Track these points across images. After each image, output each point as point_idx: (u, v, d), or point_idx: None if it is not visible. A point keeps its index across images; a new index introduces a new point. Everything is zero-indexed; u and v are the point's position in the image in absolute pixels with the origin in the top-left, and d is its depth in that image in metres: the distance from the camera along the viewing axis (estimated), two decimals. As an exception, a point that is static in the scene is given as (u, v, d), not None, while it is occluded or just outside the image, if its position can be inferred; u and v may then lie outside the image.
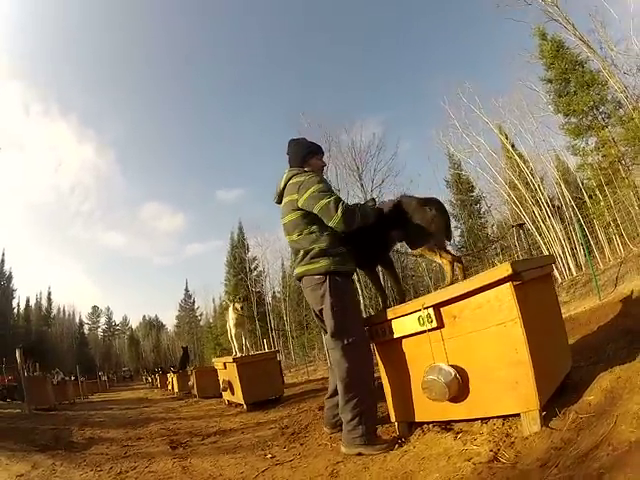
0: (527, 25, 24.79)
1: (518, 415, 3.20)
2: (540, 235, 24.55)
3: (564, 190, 25.26)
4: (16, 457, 5.52)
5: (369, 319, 4.44)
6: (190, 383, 15.68)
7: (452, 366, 3.46)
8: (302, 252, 4.39)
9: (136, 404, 15.43)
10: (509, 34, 58.56)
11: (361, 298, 23.43)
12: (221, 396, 10.76)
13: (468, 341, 3.45)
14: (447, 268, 4.09)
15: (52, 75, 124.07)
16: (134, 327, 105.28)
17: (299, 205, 4.37)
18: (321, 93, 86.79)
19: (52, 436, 7.23)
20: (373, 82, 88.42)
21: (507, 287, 3.20)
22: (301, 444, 4.69)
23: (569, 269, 22.54)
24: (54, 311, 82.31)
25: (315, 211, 4.25)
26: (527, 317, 3.18)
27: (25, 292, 77.21)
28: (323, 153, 4.93)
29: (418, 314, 3.67)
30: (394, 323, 3.94)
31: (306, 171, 4.59)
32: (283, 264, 48.06)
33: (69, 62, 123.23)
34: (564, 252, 23.08)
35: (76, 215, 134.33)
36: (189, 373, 16.70)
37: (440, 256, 4.11)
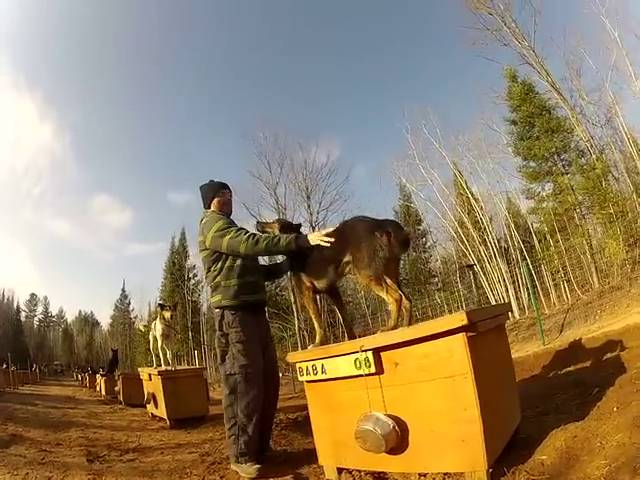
0: (498, 65, 25.15)
1: (461, 472, 2.97)
2: (485, 275, 24.67)
3: (513, 232, 25.69)
4: None
5: (299, 354, 4.14)
6: (117, 388, 15.24)
7: (390, 416, 3.19)
8: (210, 287, 4.84)
9: (62, 403, 14.99)
10: (478, 72, 59.26)
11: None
12: (146, 407, 10.48)
13: (410, 391, 3.18)
14: (393, 307, 3.68)
15: (25, 44, 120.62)
16: (69, 321, 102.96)
17: (207, 245, 4.67)
18: (282, 104, 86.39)
19: (-26, 430, 6.99)
20: (336, 100, 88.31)
21: (460, 338, 2.96)
22: (221, 477, 4.41)
23: (512, 312, 22.40)
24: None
25: (224, 250, 4.53)
26: (479, 371, 2.94)
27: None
28: (225, 189, 5.12)
29: (355, 356, 3.38)
30: (327, 362, 3.64)
31: (206, 212, 4.96)
32: None
33: (44, 34, 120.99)
34: (507, 294, 23.43)
35: (27, 197, 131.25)
36: (116, 378, 16.25)
37: (387, 292, 3.71)
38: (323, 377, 3.67)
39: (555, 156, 23.21)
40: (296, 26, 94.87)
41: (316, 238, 4.16)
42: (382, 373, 3.30)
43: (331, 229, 4.21)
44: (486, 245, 25.27)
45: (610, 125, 22.18)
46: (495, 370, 3.52)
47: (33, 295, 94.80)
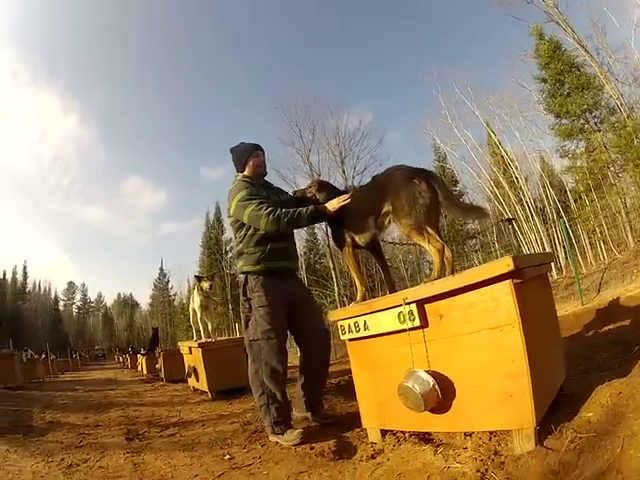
0: (526, 24, 24.67)
1: (508, 430, 2.87)
2: (522, 235, 24.44)
3: (548, 191, 25.37)
4: (-30, 442, 5.22)
5: (341, 312, 4.05)
6: (157, 366, 15.40)
7: (433, 373, 3.06)
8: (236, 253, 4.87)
9: (102, 385, 15.11)
10: (508, 31, 58.82)
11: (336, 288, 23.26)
12: (187, 381, 10.49)
13: (455, 345, 3.05)
14: (435, 257, 3.59)
15: (42, 39, 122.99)
16: (108, 305, 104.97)
17: (230, 213, 4.75)
18: (310, 73, 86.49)
19: (12, 419, 6.98)
20: (366, 65, 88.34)
21: (506, 285, 2.80)
22: (262, 445, 4.36)
23: (550, 270, 22.17)
24: (29, 286, 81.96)
25: (245, 221, 4.57)
26: (527, 321, 2.78)
27: (0, 265, 75.96)
28: (258, 149, 4.98)
29: (398, 310, 3.24)
30: (369, 318, 3.52)
31: (237, 177, 4.92)
32: None
33: (61, 27, 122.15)
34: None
35: (56, 188, 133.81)
36: (157, 355, 16.38)
37: (428, 241, 3.60)
38: (366, 334, 3.58)
39: (587, 113, 22.84)
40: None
41: (336, 204, 4.27)
42: (426, 326, 3.17)
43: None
44: (522, 205, 25.07)
45: (638, 83, 21.65)
46: (541, 322, 3.37)
47: (70, 283, 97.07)
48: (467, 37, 75.89)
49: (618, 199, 20.88)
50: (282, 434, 4.29)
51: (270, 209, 4.34)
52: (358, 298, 4.24)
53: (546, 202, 25.44)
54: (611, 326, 6.46)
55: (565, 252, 20.43)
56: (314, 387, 4.82)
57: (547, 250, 22.60)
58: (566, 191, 25.50)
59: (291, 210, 4.39)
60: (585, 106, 22.36)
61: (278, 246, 4.61)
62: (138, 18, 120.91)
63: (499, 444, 2.91)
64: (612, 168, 22.13)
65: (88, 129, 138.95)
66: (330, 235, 4.62)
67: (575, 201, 24.60)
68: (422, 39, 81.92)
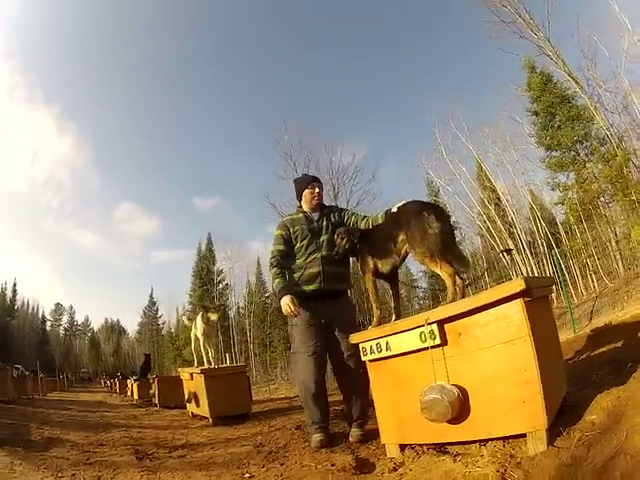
0: (517, 58, 25.09)
1: (519, 436, 3.09)
2: (514, 266, 24.51)
3: (539, 224, 25.63)
4: (-29, 452, 5.18)
5: (361, 335, 4.18)
6: (152, 391, 15.37)
7: (454, 385, 3.25)
8: None
9: (95, 407, 15.11)
10: (498, 64, 59.19)
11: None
12: (183, 407, 10.54)
13: (471, 359, 3.25)
14: (448, 282, 3.82)
15: (40, 61, 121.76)
16: (96, 329, 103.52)
17: None
18: (305, 105, 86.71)
19: (10, 432, 6.98)
20: (361, 100, 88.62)
21: (518, 303, 3.03)
22: (281, 464, 4.36)
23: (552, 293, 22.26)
24: (18, 303, 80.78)
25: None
26: (536, 335, 3.01)
27: (-12, 281, 75.22)
28: (314, 181, 5.42)
29: (420, 330, 3.42)
30: (391, 339, 3.70)
31: (296, 207, 5.61)
32: (249, 280, 49.29)
33: (58, 51, 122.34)
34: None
35: (48, 209, 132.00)
36: (151, 381, 16.32)
37: (440, 267, 3.86)
38: (387, 354, 3.73)
39: (577, 145, 23.16)
40: (320, 26, 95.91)
41: (284, 303, 4.76)
42: (446, 344, 3.35)
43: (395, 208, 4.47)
44: (513, 238, 25.22)
45: (627, 112, 22.02)
46: (547, 337, 3.58)
47: (58, 305, 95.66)
48: (462, 71, 76.40)
49: (608, 228, 21.04)
50: (310, 435, 4.84)
51: (273, 258, 5.16)
52: (374, 322, 4.44)
53: (537, 234, 25.67)
54: (604, 348, 6.59)
55: (556, 283, 20.59)
56: (347, 404, 5.02)
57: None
58: (556, 223, 25.78)
59: (275, 272, 5.07)
60: (576, 138, 22.69)
61: (312, 271, 4.98)
62: (136, 45, 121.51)
63: (513, 448, 3.06)
64: (602, 198, 22.36)
65: (83, 152, 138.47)
66: (359, 262, 4.73)
67: (566, 232, 24.84)
68: (418, 74, 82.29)
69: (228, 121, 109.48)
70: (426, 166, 31.86)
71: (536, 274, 23.20)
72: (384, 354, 3.76)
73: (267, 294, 50.60)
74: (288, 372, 31.02)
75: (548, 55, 21.82)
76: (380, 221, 4.72)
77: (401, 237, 4.18)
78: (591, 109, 21.21)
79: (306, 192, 5.30)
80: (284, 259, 5.15)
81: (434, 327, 3.34)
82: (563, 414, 3.30)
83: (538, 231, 25.65)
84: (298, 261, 5.08)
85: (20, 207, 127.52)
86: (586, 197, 22.35)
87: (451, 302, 3.67)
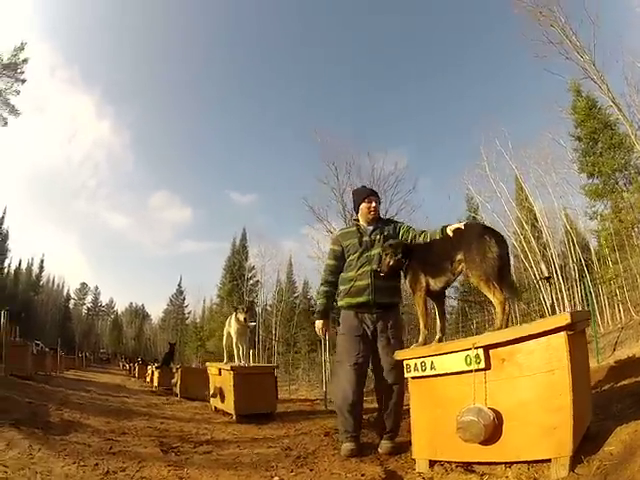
0: (562, 79, 24.77)
1: (542, 461, 3.24)
2: (543, 290, 24.26)
3: (573, 249, 25.43)
4: (-14, 429, 5.15)
5: (406, 352, 4.31)
6: (173, 380, 15.34)
7: (490, 408, 3.35)
8: None
9: (115, 391, 15.16)
10: (543, 84, 58.65)
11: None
12: (204, 399, 10.72)
13: (511, 385, 3.38)
14: (498, 308, 3.93)
15: (82, 46, 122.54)
16: (119, 312, 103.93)
17: None
18: (351, 114, 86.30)
19: (28, 411, 6.95)
20: (406, 111, 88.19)
21: (562, 335, 3.19)
22: (310, 470, 4.39)
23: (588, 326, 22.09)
24: (43, 279, 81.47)
25: None
26: (573, 366, 3.16)
27: (18, 254, 75.56)
28: (371, 195, 5.49)
29: (466, 353, 3.54)
30: (436, 359, 3.80)
31: (350, 226, 5.82)
32: (279, 278, 48.70)
33: (103, 38, 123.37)
34: (564, 309, 22.57)
35: (82, 188, 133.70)
36: (174, 370, 16.26)
37: (494, 294, 3.92)
38: (431, 373, 3.83)
39: (617, 173, 22.98)
40: (373, 37, 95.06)
41: (317, 327, 5.44)
42: (489, 369, 3.47)
43: (456, 225, 4.48)
44: (546, 260, 25.03)
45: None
46: (581, 368, 3.65)
47: (83, 284, 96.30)
48: (507, 88, 75.72)
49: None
50: (341, 442, 4.90)
51: (324, 274, 5.52)
52: (420, 340, 4.49)
53: (569, 259, 25.46)
54: (626, 381, 6.55)
55: (583, 309, 20.41)
56: (381, 415, 5.06)
57: (566, 307, 22.53)
58: (589, 249, 25.63)
59: (321, 292, 5.53)
60: (616, 166, 22.53)
61: (361, 283, 5.07)
62: (182, 34, 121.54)
63: (537, 472, 3.22)
64: (637, 229, 22.16)
65: (121, 137, 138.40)
66: (407, 278, 4.74)
67: (598, 260, 24.69)
68: (465, 89, 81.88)
69: (271, 119, 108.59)
70: (467, 182, 31.66)
71: (565, 299, 23.02)
72: (428, 373, 3.86)
73: (296, 294, 51.04)
74: (310, 374, 30.91)
75: (592, 79, 21.53)
76: (437, 237, 4.73)
77: (459, 256, 4.22)
78: (632, 137, 20.97)
79: (363, 205, 5.35)
80: (334, 274, 5.40)
81: (480, 352, 3.46)
82: (585, 443, 3.37)
83: (571, 256, 25.51)
84: (350, 274, 5.17)
85: (55, 185, 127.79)
86: (621, 227, 22.21)
87: (498, 329, 3.80)
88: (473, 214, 34.59)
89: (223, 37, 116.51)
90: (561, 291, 23.50)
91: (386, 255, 4.75)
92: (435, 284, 4.47)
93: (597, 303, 21.06)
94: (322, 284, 5.52)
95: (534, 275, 24.93)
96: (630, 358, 9.20)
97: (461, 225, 4.43)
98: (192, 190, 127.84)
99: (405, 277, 4.77)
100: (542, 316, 19.61)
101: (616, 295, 21.42)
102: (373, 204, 5.32)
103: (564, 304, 23.04)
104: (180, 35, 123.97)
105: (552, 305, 22.13)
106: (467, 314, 26.29)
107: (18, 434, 5.12)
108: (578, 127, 24.51)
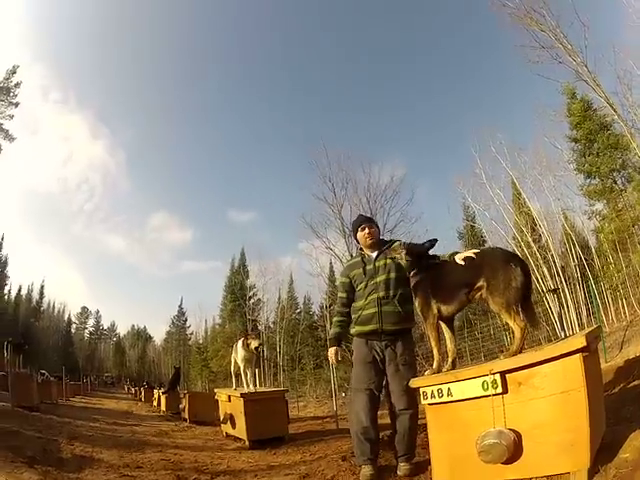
0: (553, 83, 24.57)
1: (561, 474, 3.28)
2: (544, 293, 24.25)
3: (573, 250, 25.48)
4: (2, 470, 5.04)
5: (423, 380, 4.32)
6: (181, 405, 15.36)
7: (510, 429, 3.39)
8: None
9: (123, 418, 15.19)
10: (535, 89, 58.87)
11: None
12: (213, 424, 10.77)
13: (528, 407, 3.42)
14: (517, 334, 3.92)
15: (75, 67, 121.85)
16: (121, 334, 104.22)
17: None
18: (345, 127, 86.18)
19: (40, 447, 6.88)
20: (402, 121, 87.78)
21: (577, 358, 3.24)
22: (331, 498, 4.33)
23: (572, 329, 22.07)
24: (44, 305, 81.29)
25: None
26: (588, 385, 3.21)
27: (17, 281, 75.31)
28: (365, 222, 5.60)
29: (483, 379, 3.57)
30: (453, 386, 3.82)
31: (355, 256, 5.88)
32: (280, 296, 48.23)
33: (94, 59, 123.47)
34: (568, 311, 22.84)
35: (79, 212, 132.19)
36: (181, 395, 16.30)
37: (514, 320, 3.92)
38: (449, 399, 3.84)
39: (614, 173, 23.14)
40: (363, 48, 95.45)
41: (329, 354, 5.44)
42: (506, 393, 3.50)
43: (470, 253, 4.43)
44: (547, 262, 25.04)
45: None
46: (595, 384, 3.72)
47: (84, 308, 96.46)
48: (500, 95, 75.81)
49: (642, 257, 20.85)
50: (360, 466, 4.89)
51: (338, 305, 5.65)
52: (434, 367, 4.47)
53: (570, 259, 25.52)
54: (636, 382, 6.61)
55: (588, 310, 20.47)
56: (396, 438, 5.02)
57: (570, 308, 22.56)
58: (589, 247, 25.72)
59: (334, 321, 5.63)
60: (614, 166, 22.66)
61: (368, 312, 5.11)
62: (174, 54, 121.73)
63: None
64: (637, 226, 22.23)
65: (116, 158, 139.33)
66: (417, 304, 4.69)
67: (599, 257, 24.75)
68: (458, 96, 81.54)
69: (267, 136, 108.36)
70: (463, 191, 31.51)
71: (569, 300, 22.96)
72: (445, 399, 3.87)
73: (298, 310, 50.76)
74: (317, 390, 30.90)
75: (585, 81, 21.49)
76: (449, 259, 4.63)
77: (480, 283, 4.16)
78: (628, 136, 20.99)
79: (359, 235, 5.50)
80: (345, 306, 5.47)
81: (497, 377, 3.49)
82: (601, 452, 3.40)
83: (571, 256, 25.50)
84: (359, 303, 5.22)
85: (51, 208, 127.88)
86: (622, 225, 22.29)
87: (513, 353, 3.82)
88: (470, 222, 34.75)
89: (218, 53, 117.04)
90: (564, 291, 23.44)
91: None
92: (447, 310, 4.45)
93: (601, 301, 21.09)
94: (335, 315, 5.66)
95: (536, 279, 24.79)
96: (638, 357, 9.23)
97: (471, 254, 4.39)
98: (190, 209, 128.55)
99: (415, 302, 4.73)
100: (549, 325, 19.64)
101: (619, 292, 21.47)
102: (367, 230, 5.43)
103: (568, 306, 22.98)
104: (174, 53, 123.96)
105: (558, 313, 22.04)
106: (471, 321, 26.24)
107: (33, 474, 5.04)
108: (574, 129, 24.66)
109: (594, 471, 3.15)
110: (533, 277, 24.32)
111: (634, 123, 21.55)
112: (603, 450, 3.45)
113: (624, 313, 20.63)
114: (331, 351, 5.38)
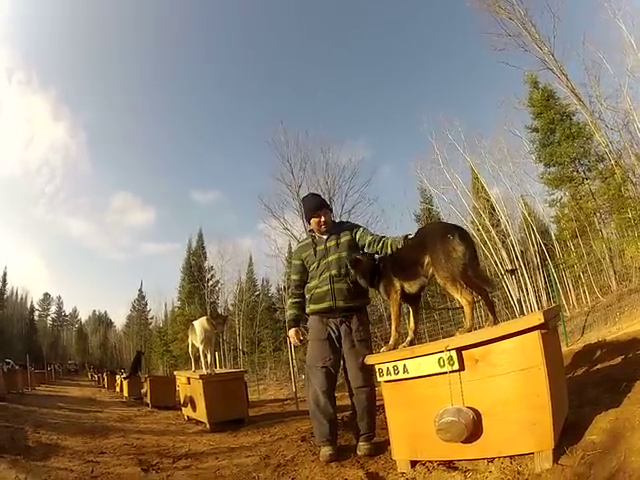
0: (520, 71, 25.03)
1: (526, 454, 3.29)
2: (503, 276, 24.47)
3: (533, 236, 25.77)
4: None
5: (378, 357, 4.29)
6: (143, 390, 15.31)
7: (469, 407, 3.40)
8: None
9: (87, 405, 15.04)
10: (501, 76, 59.16)
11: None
12: (175, 408, 10.80)
13: (487, 384, 3.43)
14: (467, 309, 3.93)
15: (38, 44, 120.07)
16: (83, 320, 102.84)
17: None
18: (305, 106, 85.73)
19: (8, 436, 6.98)
20: (360, 105, 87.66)
21: (535, 335, 3.24)
22: (292, 478, 4.37)
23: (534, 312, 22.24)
24: (7, 292, 79.91)
25: None
26: (548, 363, 3.23)
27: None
28: (318, 209, 5.38)
29: (439, 355, 3.56)
30: (409, 362, 3.79)
31: (305, 238, 5.75)
32: (240, 278, 48.26)
33: (56, 35, 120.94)
34: (528, 296, 23.15)
35: (40, 195, 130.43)
36: (142, 380, 16.26)
37: (461, 294, 3.90)
38: (405, 376, 3.83)
39: (575, 162, 23.41)
40: (323, 32, 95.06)
41: (289, 335, 5.43)
42: (463, 370, 3.50)
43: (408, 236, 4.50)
44: (506, 247, 25.26)
45: (627, 129, 22.04)
46: (555, 362, 3.76)
47: (46, 295, 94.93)
48: (463, 80, 76.20)
49: (603, 245, 21.16)
50: (320, 447, 4.90)
51: (291, 288, 5.71)
52: (391, 343, 4.49)
53: (530, 245, 25.83)
54: (598, 365, 6.73)
55: (548, 295, 20.69)
56: (356, 417, 5.03)
57: (530, 294, 22.80)
58: (549, 234, 26.07)
59: (289, 303, 5.65)
60: (574, 155, 22.93)
61: (321, 290, 5.13)
62: (138, 34, 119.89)
63: (520, 465, 3.26)
64: (598, 214, 22.54)
65: (77, 139, 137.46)
66: (381, 283, 4.69)
67: (559, 243, 25.06)
68: (420, 81, 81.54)
69: (230, 115, 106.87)
70: (421, 174, 31.54)
71: (529, 285, 23.19)
72: (401, 376, 3.85)
73: (257, 292, 50.59)
74: (277, 372, 30.95)
75: (551, 69, 21.69)
76: (399, 246, 4.58)
77: (427, 260, 4.16)
78: (591, 126, 21.32)
79: (313, 221, 5.37)
80: (299, 287, 5.50)
81: (453, 353, 3.47)
82: (566, 433, 3.45)
83: (531, 242, 25.79)
84: (312, 283, 5.26)
85: (12, 193, 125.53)
86: (582, 214, 22.56)
87: (468, 330, 3.85)
88: (428, 205, 35.00)
89: (177, 34, 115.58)
90: (523, 275, 23.67)
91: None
92: (410, 287, 4.45)
93: (562, 287, 21.34)
94: (289, 297, 5.73)
95: (495, 263, 25.11)
96: (600, 342, 9.37)
97: (401, 239, 4.49)
98: (151, 190, 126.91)
99: (379, 281, 4.71)
100: (509, 309, 19.82)
101: (580, 279, 21.78)
102: (322, 219, 5.33)
103: (527, 291, 23.29)
104: (135, 33, 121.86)
105: (518, 298, 22.18)
106: (430, 305, 26.38)
107: (3, 463, 5.12)
108: (535, 118, 24.94)
109: (560, 452, 3.18)
110: (492, 260, 24.63)
111: (600, 114, 21.88)
112: (568, 431, 3.51)
113: (585, 299, 20.98)
114: (291, 332, 5.34)
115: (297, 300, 5.51)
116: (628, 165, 21.28)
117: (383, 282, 4.65)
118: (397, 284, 4.48)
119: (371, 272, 4.72)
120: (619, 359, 6.59)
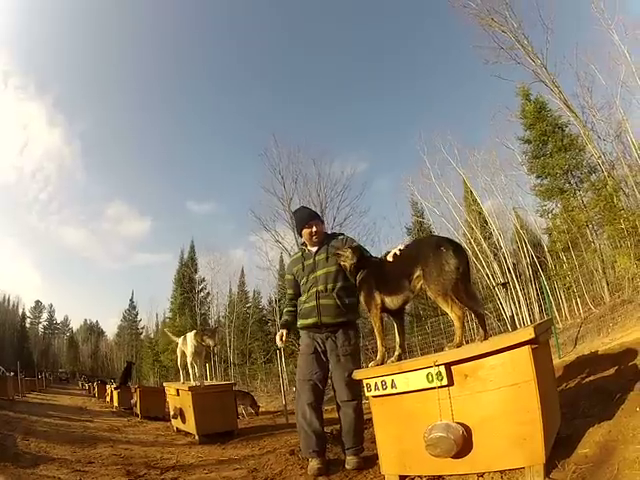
0: (512, 84, 25.11)
1: (517, 468, 3.26)
2: (495, 289, 24.48)
3: (525, 248, 25.87)
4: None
5: (366, 372, 4.26)
6: (133, 400, 15.22)
7: (458, 423, 3.36)
8: None
9: (77, 414, 15.02)
10: (495, 90, 59.44)
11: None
12: (164, 419, 10.80)
13: (476, 399, 3.39)
14: (457, 323, 3.85)
15: (35, 50, 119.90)
16: (74, 329, 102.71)
17: None
18: (299, 120, 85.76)
19: (-3, 443, 6.89)
20: (355, 118, 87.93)
21: (525, 350, 3.22)
22: (279, 492, 4.32)
23: (524, 326, 22.18)
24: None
25: None
26: (539, 378, 3.21)
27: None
28: (310, 220, 5.43)
29: (427, 371, 3.53)
30: (397, 377, 3.77)
31: (296, 252, 5.89)
32: (231, 290, 48.62)
33: (54, 41, 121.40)
34: (520, 308, 23.08)
35: (34, 202, 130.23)
36: (132, 390, 16.21)
37: (451, 308, 3.82)
38: (393, 391, 3.79)
39: (568, 173, 23.44)
40: (319, 46, 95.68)
41: (276, 336, 5.57)
42: (452, 385, 3.47)
43: (400, 246, 4.46)
44: (498, 260, 25.33)
45: (619, 140, 22.11)
46: (546, 376, 3.75)
47: (38, 302, 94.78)
48: (456, 93, 76.50)
49: (595, 256, 21.21)
50: (308, 460, 4.90)
51: (287, 299, 5.81)
52: (378, 358, 4.42)
53: (522, 257, 25.86)
54: (591, 377, 6.64)
55: (540, 307, 20.69)
56: (343, 431, 5.03)
57: (522, 306, 22.81)
58: (542, 246, 26.12)
59: (284, 311, 5.80)
60: (567, 166, 22.98)
61: (308, 305, 5.22)
62: (135, 44, 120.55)
63: None
64: (590, 226, 22.56)
65: (71, 147, 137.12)
66: (361, 296, 4.64)
67: (551, 255, 25.11)
68: (414, 95, 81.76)
69: (226, 126, 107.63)
70: (412, 187, 31.63)
71: (521, 297, 23.18)
72: (389, 391, 3.82)
73: (248, 304, 50.57)
74: (268, 384, 30.90)
75: (544, 82, 21.68)
76: (390, 259, 4.55)
77: (417, 273, 4.09)
78: (584, 137, 21.28)
79: (304, 232, 5.40)
80: (292, 301, 5.64)
81: (442, 369, 3.45)
82: (558, 446, 3.45)
83: (523, 254, 25.83)
84: (302, 298, 5.34)
85: (6, 199, 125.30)
86: (574, 225, 22.59)
87: (457, 344, 3.79)
88: (419, 218, 35.07)
89: (173, 43, 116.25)
90: (515, 288, 23.67)
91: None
92: (392, 302, 4.38)
93: (555, 299, 21.38)
94: (285, 307, 5.80)
95: (487, 276, 25.15)
96: (593, 353, 9.31)
97: (398, 248, 4.45)
98: (146, 201, 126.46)
99: (359, 294, 4.69)
100: (501, 321, 19.81)
101: (573, 290, 21.74)
102: (314, 229, 5.35)
103: (520, 303, 23.23)
104: (132, 41, 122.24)
105: (510, 311, 22.14)
106: (421, 317, 26.31)
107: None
108: (527, 130, 24.96)
109: (551, 466, 3.16)
110: (484, 273, 24.62)
111: (593, 125, 21.93)
112: (560, 444, 3.50)
113: (578, 311, 20.93)
114: (279, 334, 5.49)
115: (291, 309, 5.62)
116: (621, 176, 21.32)
117: (363, 294, 4.60)
118: (378, 298, 4.42)
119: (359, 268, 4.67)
120: (612, 370, 6.55)
